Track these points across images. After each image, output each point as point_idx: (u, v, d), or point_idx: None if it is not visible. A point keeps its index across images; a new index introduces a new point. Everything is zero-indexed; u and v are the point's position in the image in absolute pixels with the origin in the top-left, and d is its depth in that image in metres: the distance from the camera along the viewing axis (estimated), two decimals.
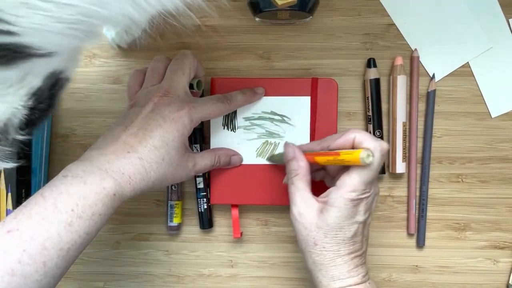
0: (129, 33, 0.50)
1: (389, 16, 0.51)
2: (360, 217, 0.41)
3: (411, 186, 0.52)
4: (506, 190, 0.52)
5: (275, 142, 0.50)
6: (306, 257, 0.42)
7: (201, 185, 0.52)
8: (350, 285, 0.41)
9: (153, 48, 0.53)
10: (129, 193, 0.40)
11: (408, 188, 0.52)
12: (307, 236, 0.41)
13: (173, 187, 0.53)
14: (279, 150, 0.50)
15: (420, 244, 0.52)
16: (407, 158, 0.52)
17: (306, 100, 0.50)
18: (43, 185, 0.53)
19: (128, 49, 0.52)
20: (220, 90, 0.50)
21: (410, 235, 0.53)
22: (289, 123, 0.50)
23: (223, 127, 0.50)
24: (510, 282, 0.52)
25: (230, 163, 0.50)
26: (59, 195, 0.37)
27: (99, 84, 0.54)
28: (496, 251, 0.53)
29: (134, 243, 0.55)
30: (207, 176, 0.53)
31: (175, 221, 0.53)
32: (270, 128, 0.50)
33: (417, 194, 0.52)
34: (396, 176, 0.52)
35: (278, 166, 0.50)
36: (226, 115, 0.50)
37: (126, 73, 0.53)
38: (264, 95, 0.50)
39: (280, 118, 0.50)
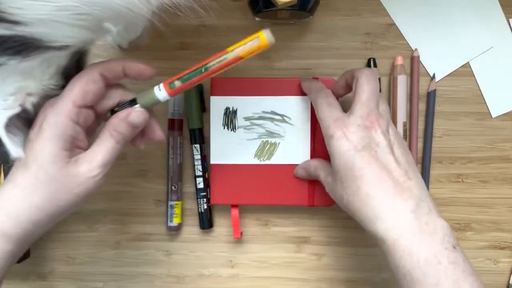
0: (130, 32, 0.50)
1: (389, 16, 0.51)
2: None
3: None
4: (506, 190, 0.52)
5: (275, 142, 0.50)
6: None
7: (201, 185, 0.52)
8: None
9: (153, 48, 0.53)
10: (13, 229, 0.34)
11: None
12: None
13: (173, 187, 0.52)
14: (279, 150, 0.50)
15: None
16: None
17: (306, 100, 0.49)
18: None
19: (129, 49, 0.52)
20: (220, 90, 0.50)
21: None
22: (289, 123, 0.49)
23: (223, 127, 0.50)
24: (510, 282, 0.52)
25: (132, 126, 0.38)
26: None
27: None
28: (496, 251, 0.53)
29: (134, 243, 0.55)
30: (207, 176, 0.53)
31: (175, 221, 0.53)
32: (270, 128, 0.50)
33: None
34: None
35: (279, 166, 0.50)
36: (226, 115, 0.50)
37: None
38: (265, 95, 0.49)
39: (281, 118, 0.49)
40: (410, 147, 0.51)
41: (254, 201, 0.51)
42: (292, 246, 0.54)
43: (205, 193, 0.53)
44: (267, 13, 0.47)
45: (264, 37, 0.36)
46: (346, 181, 0.40)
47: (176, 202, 0.53)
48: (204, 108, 0.53)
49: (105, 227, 0.55)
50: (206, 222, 0.53)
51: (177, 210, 0.53)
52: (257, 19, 0.50)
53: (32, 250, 0.53)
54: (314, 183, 0.50)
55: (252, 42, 0.36)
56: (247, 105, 0.50)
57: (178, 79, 0.38)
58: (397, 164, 0.39)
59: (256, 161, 0.50)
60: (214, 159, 0.50)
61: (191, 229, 0.54)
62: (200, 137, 0.52)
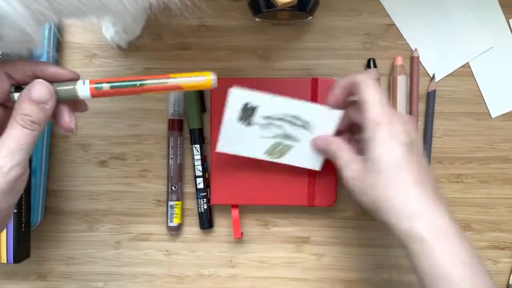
0: (129, 32, 0.50)
1: (389, 16, 0.51)
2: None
3: None
4: (506, 190, 0.52)
5: (288, 145, 0.47)
6: None
7: (201, 185, 0.52)
8: None
9: (153, 48, 0.53)
10: None
11: None
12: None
13: (173, 187, 0.52)
14: (292, 152, 0.48)
15: None
16: None
17: (337, 115, 0.46)
18: (43, 185, 0.53)
19: (128, 49, 0.52)
20: (220, 90, 0.49)
21: None
22: (309, 131, 0.47)
23: (237, 120, 0.46)
24: (510, 282, 0.52)
25: (36, 102, 0.34)
26: None
27: None
28: (496, 251, 0.53)
29: (134, 243, 0.55)
30: (207, 176, 0.53)
31: (175, 222, 0.53)
32: (287, 131, 0.47)
33: None
34: None
35: (279, 166, 0.50)
36: (244, 110, 0.46)
37: (126, 73, 0.53)
38: (291, 97, 0.46)
39: (302, 124, 0.46)
40: None
41: (254, 201, 0.51)
42: (292, 246, 0.54)
43: (205, 193, 0.53)
44: (267, 13, 0.47)
45: (209, 79, 0.37)
46: (384, 173, 0.38)
47: (176, 202, 0.53)
48: (204, 108, 0.53)
49: (105, 227, 0.55)
50: (206, 222, 0.53)
51: (177, 210, 0.53)
52: (257, 19, 0.50)
53: (32, 250, 0.53)
54: (314, 183, 0.50)
55: (197, 78, 0.37)
56: (270, 105, 0.46)
57: (108, 83, 0.36)
58: (426, 166, 0.40)
59: (265, 157, 0.48)
60: (221, 147, 0.47)
61: (191, 229, 0.54)
62: (200, 137, 0.52)
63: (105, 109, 0.54)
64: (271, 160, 0.48)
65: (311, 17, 0.49)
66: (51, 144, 0.54)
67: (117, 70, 0.53)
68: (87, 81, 0.36)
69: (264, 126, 0.47)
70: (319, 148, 0.46)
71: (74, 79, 0.36)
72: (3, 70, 0.35)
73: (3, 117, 0.36)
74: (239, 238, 0.53)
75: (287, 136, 0.47)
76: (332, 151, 0.44)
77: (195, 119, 0.52)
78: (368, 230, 0.53)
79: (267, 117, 0.46)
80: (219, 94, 0.47)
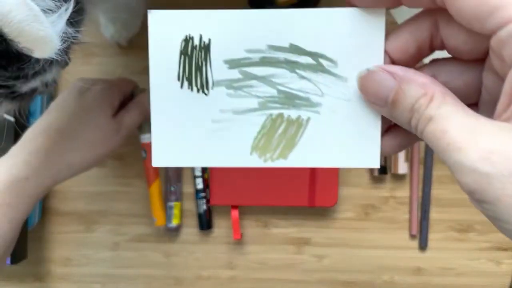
0: (128, 29, 0.50)
1: (390, 14, 0.51)
2: None
3: (413, 187, 0.51)
4: None
5: (300, 118, 0.24)
6: None
7: (200, 186, 0.52)
8: None
9: None
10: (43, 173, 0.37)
11: (410, 189, 0.52)
12: None
13: (172, 187, 0.52)
14: (304, 139, 0.24)
15: (423, 245, 0.52)
16: (409, 159, 0.51)
17: (379, 16, 0.23)
18: None
19: (127, 47, 0.52)
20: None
21: (412, 236, 0.52)
22: (333, 73, 0.24)
23: (177, 82, 0.24)
24: None
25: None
26: None
27: None
28: (499, 252, 0.52)
29: (132, 244, 0.54)
30: (207, 177, 0.52)
31: (174, 222, 0.52)
32: (288, 84, 0.24)
33: (420, 195, 0.51)
34: (398, 177, 0.52)
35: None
36: (185, 53, 0.24)
37: (124, 72, 0.52)
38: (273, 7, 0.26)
39: (314, 62, 0.24)
40: (412, 147, 0.51)
41: (254, 202, 0.51)
42: (292, 247, 0.53)
43: (204, 194, 0.52)
44: None
45: None
46: None
47: (175, 203, 0.52)
48: None
49: (103, 228, 0.54)
50: (205, 223, 0.53)
51: (176, 211, 0.52)
52: None
53: (29, 251, 0.52)
54: (315, 183, 0.50)
55: None
56: (235, 31, 0.24)
57: None
58: None
59: (253, 161, 0.25)
60: (158, 158, 0.25)
61: (190, 230, 0.54)
62: None
63: None
64: (268, 165, 0.25)
65: None
66: None
67: (115, 69, 0.53)
68: None
69: (237, 84, 0.24)
70: (382, 97, 0.22)
71: None
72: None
73: None
74: (239, 239, 0.52)
75: (290, 98, 0.24)
76: (426, 104, 0.21)
77: None
78: (369, 231, 0.53)
79: (237, 62, 0.24)
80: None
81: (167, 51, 0.23)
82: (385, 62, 0.23)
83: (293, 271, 0.54)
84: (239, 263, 0.54)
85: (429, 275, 0.52)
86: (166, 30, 0.23)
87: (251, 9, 0.24)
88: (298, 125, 0.24)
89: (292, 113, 0.24)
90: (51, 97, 0.53)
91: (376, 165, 0.24)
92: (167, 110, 0.24)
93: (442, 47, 0.23)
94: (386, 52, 0.23)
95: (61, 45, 0.24)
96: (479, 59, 0.22)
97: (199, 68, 0.23)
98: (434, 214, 0.52)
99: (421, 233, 0.52)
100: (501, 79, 0.20)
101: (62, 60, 0.26)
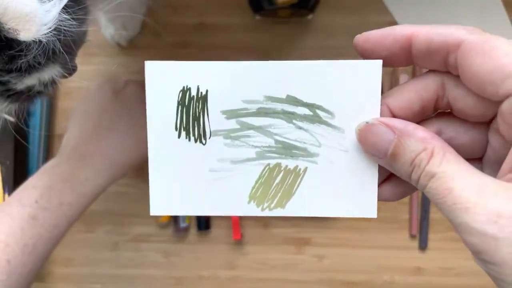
0: (129, 30, 0.50)
1: (391, 14, 0.51)
2: None
3: None
4: None
5: (297, 167, 0.24)
6: None
7: None
8: None
9: (153, 46, 0.52)
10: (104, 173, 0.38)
11: None
12: None
13: None
14: (302, 188, 0.24)
15: (423, 245, 0.52)
16: None
17: (376, 67, 0.24)
18: None
19: (127, 47, 0.52)
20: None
21: (412, 236, 0.52)
22: (330, 124, 0.24)
23: (176, 131, 0.24)
24: None
25: None
26: (25, 189, 0.36)
27: None
28: None
29: (133, 244, 0.54)
30: None
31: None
32: (285, 134, 0.24)
33: (420, 195, 0.51)
34: None
35: None
36: (182, 103, 0.24)
37: (124, 72, 0.53)
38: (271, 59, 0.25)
39: (311, 113, 0.24)
40: None
41: None
42: (292, 247, 0.53)
43: None
44: (267, 11, 0.47)
45: None
46: None
47: None
48: None
49: (104, 228, 0.54)
50: (203, 223, 0.53)
51: None
52: (257, 17, 0.50)
53: None
54: None
55: None
56: (232, 82, 0.24)
57: None
58: None
59: (250, 210, 0.25)
60: (154, 210, 0.25)
61: (191, 230, 0.54)
62: None
63: None
64: (265, 214, 0.25)
65: (311, 15, 0.48)
66: (48, 144, 0.54)
67: (115, 69, 0.53)
68: None
69: (234, 135, 0.24)
70: (381, 150, 0.22)
71: None
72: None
73: None
74: (239, 239, 0.52)
75: (287, 149, 0.24)
76: (427, 159, 0.21)
77: None
78: (369, 231, 0.53)
79: (234, 112, 0.24)
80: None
81: (164, 102, 0.24)
82: (385, 115, 0.23)
83: (293, 271, 0.54)
84: (239, 263, 0.54)
85: (429, 275, 0.52)
86: (163, 81, 0.24)
87: (247, 61, 0.24)
88: (296, 175, 0.24)
89: (290, 163, 0.24)
90: (52, 100, 0.53)
91: (373, 215, 0.24)
92: (165, 159, 0.24)
93: (447, 107, 0.23)
94: (388, 108, 0.23)
95: (56, 33, 0.24)
96: (485, 121, 0.22)
97: (196, 119, 0.24)
98: (434, 214, 0.52)
99: (421, 233, 0.52)
100: (507, 140, 0.21)
101: (58, 52, 0.25)
